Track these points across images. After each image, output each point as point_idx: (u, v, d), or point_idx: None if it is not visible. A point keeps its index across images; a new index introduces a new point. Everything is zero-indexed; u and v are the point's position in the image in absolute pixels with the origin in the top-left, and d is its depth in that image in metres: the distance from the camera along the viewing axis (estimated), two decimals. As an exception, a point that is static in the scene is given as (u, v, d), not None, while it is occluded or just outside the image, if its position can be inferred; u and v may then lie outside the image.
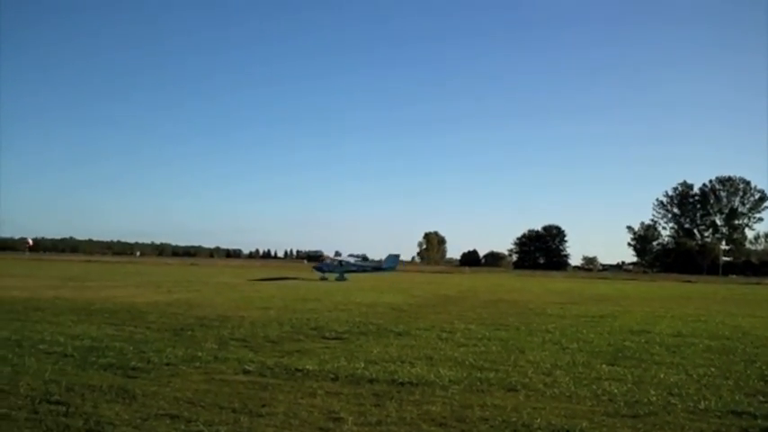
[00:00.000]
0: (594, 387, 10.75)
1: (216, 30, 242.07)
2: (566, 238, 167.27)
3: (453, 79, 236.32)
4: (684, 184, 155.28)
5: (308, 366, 11.81)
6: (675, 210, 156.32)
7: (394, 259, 61.88)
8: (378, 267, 62.02)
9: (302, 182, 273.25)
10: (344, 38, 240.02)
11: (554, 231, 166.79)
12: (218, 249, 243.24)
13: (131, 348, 13.38)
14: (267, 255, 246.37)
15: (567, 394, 10.23)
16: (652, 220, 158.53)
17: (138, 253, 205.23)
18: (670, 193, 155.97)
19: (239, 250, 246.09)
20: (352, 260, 61.81)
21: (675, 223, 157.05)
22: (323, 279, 54.54)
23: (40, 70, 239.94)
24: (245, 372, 11.43)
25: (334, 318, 20.87)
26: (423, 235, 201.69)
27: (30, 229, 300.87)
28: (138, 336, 15.55)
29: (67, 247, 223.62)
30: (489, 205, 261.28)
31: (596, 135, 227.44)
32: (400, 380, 10.88)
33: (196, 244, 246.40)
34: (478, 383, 10.84)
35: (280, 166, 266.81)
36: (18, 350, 12.85)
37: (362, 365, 12.10)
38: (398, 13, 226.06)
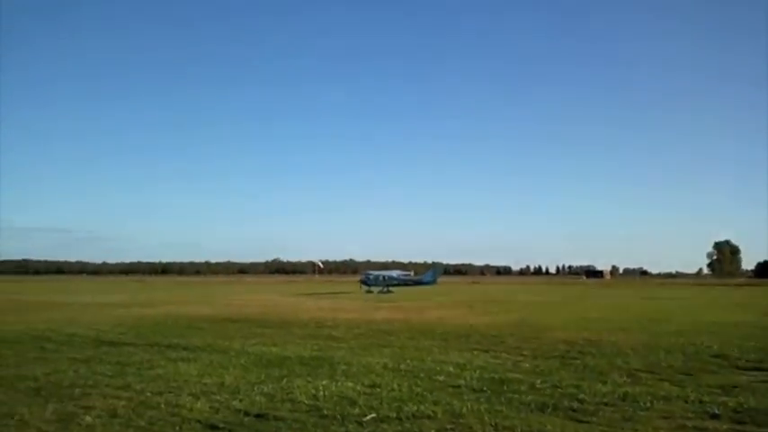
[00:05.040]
0: None
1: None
2: None
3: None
4: None
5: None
6: None
7: (433, 273, 65.89)
8: (419, 282, 63.26)
9: (570, 196, 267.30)
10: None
11: None
12: (488, 266, 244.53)
13: (538, 382, 11.86)
14: (538, 271, 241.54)
15: None
16: None
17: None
18: None
19: (509, 267, 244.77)
20: (395, 274, 64.08)
21: None
22: (368, 292, 55.98)
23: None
24: (713, 416, 9.27)
25: (714, 341, 17.79)
26: (712, 245, 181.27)
27: (314, 253, 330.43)
28: (525, 365, 14.06)
29: (348, 269, 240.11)
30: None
31: None
32: None
33: (467, 261, 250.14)
34: None
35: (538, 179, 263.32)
36: (419, 381, 11.99)
37: None
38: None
